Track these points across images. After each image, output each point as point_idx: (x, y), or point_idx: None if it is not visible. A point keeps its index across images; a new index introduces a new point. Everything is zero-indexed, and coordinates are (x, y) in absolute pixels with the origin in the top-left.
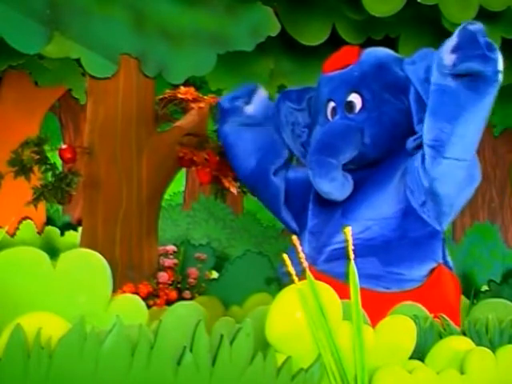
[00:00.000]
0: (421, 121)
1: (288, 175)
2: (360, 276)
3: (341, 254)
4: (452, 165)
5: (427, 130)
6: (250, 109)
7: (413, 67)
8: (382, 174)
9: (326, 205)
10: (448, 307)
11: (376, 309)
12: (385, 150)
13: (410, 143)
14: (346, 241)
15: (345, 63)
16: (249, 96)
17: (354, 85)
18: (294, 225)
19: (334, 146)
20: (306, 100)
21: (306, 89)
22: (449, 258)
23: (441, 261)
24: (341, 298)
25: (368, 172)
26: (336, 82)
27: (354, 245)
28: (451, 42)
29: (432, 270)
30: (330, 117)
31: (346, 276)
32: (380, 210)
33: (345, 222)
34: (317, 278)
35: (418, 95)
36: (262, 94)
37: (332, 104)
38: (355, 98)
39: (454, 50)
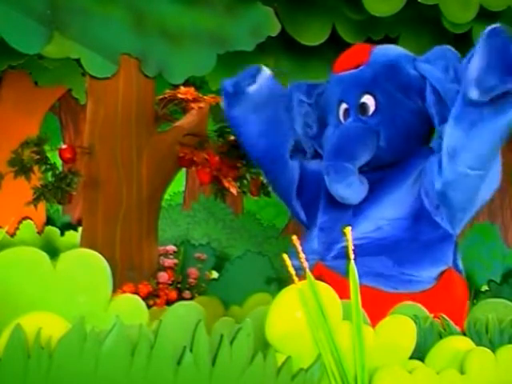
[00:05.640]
0: (443, 120)
1: (303, 164)
2: (369, 274)
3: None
4: (464, 173)
5: (446, 136)
6: (254, 88)
7: (428, 66)
8: (395, 175)
9: (338, 202)
10: (454, 311)
11: (381, 309)
12: (400, 152)
13: (436, 144)
14: (347, 240)
15: (355, 63)
16: (252, 77)
17: (366, 86)
18: (302, 215)
19: (350, 150)
20: (314, 95)
21: (315, 84)
22: (459, 262)
23: (451, 264)
24: (345, 295)
25: (382, 174)
26: (347, 82)
27: (364, 243)
28: (476, 63)
29: (442, 273)
30: (342, 118)
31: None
32: (392, 211)
33: (356, 220)
34: (324, 274)
35: (437, 95)
36: (266, 73)
37: (344, 105)
38: (368, 100)
39: (481, 77)
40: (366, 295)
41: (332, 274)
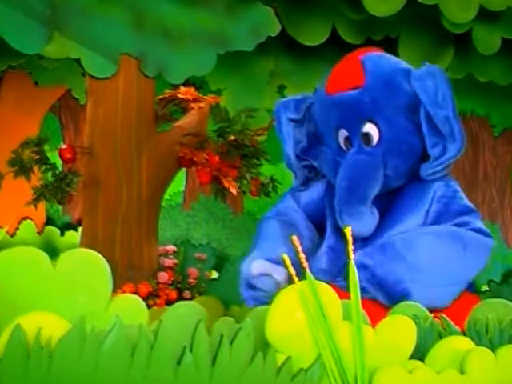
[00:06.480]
0: (435, 145)
1: (301, 202)
2: (381, 291)
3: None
4: None
5: None
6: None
7: (421, 84)
8: (402, 199)
9: None
10: None
11: None
12: (405, 177)
13: (427, 170)
14: (347, 241)
15: (350, 85)
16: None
17: (367, 114)
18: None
19: (362, 191)
20: (303, 110)
21: (303, 99)
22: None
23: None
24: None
25: (390, 198)
26: (345, 109)
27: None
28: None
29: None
30: (343, 145)
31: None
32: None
33: (366, 243)
34: (338, 293)
35: (428, 117)
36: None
37: (345, 133)
38: (371, 129)
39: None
40: (380, 310)
41: (345, 293)
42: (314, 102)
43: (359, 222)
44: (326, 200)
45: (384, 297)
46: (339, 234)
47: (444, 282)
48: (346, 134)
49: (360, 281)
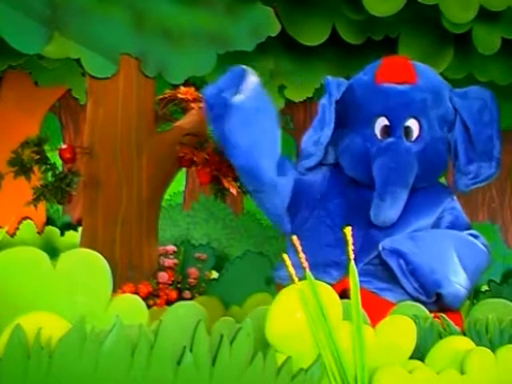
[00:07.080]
0: (470, 162)
1: (296, 178)
2: (390, 290)
3: (372, 271)
4: None
5: None
6: (239, 99)
7: (464, 102)
8: (420, 200)
9: (359, 218)
10: None
11: None
12: (428, 180)
13: (465, 185)
14: (347, 241)
15: (401, 79)
16: (236, 85)
17: (414, 110)
18: (288, 227)
19: (406, 178)
20: (342, 92)
21: (342, 81)
22: None
23: None
24: (376, 309)
25: (408, 197)
26: (394, 100)
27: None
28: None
29: None
30: (379, 134)
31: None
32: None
33: (382, 239)
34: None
35: (467, 134)
36: (252, 80)
37: (385, 121)
38: (413, 125)
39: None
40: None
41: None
42: (350, 87)
43: (397, 207)
44: (335, 190)
45: (412, 286)
46: (369, 224)
47: (464, 284)
48: (387, 123)
49: (388, 267)
